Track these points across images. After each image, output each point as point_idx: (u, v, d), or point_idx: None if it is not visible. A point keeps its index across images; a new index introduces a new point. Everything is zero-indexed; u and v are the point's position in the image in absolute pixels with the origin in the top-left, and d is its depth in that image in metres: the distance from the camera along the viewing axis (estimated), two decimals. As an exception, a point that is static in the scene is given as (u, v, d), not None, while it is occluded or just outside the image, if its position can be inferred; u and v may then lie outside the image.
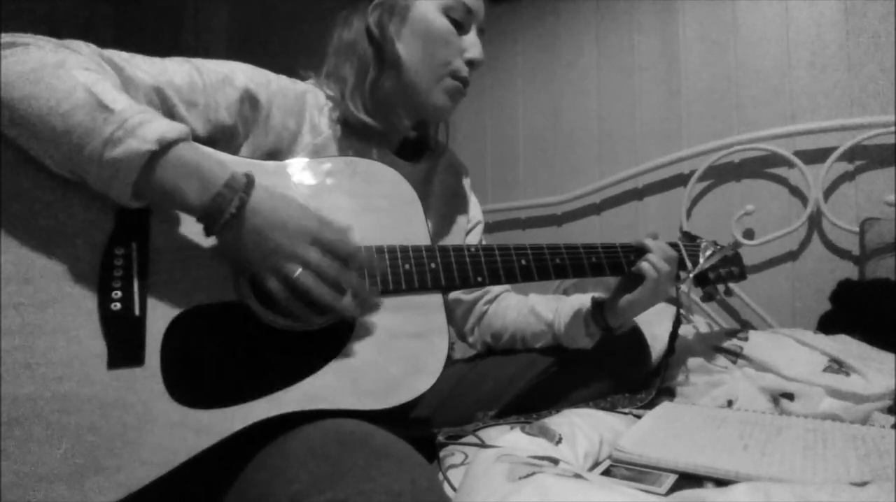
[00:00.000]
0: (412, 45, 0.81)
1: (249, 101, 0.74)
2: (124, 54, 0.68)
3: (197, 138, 0.70)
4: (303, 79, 0.85)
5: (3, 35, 0.58)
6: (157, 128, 0.54)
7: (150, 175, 0.55)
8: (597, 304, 0.92)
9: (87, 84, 0.55)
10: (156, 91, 0.67)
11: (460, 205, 1.00)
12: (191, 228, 0.60)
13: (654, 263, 0.85)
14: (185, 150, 0.57)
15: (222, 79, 0.72)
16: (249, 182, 0.58)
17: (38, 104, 0.53)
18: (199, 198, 0.56)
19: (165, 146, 0.55)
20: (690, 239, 0.98)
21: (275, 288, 0.58)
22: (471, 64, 0.84)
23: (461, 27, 0.83)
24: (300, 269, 0.58)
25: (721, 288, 1.00)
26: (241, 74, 0.74)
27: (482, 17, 0.85)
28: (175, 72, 0.70)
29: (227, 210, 0.56)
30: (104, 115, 0.53)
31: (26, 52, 0.57)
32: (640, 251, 0.88)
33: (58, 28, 2.39)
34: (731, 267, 0.99)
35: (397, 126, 0.86)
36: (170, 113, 0.69)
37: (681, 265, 0.92)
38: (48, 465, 0.51)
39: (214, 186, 0.56)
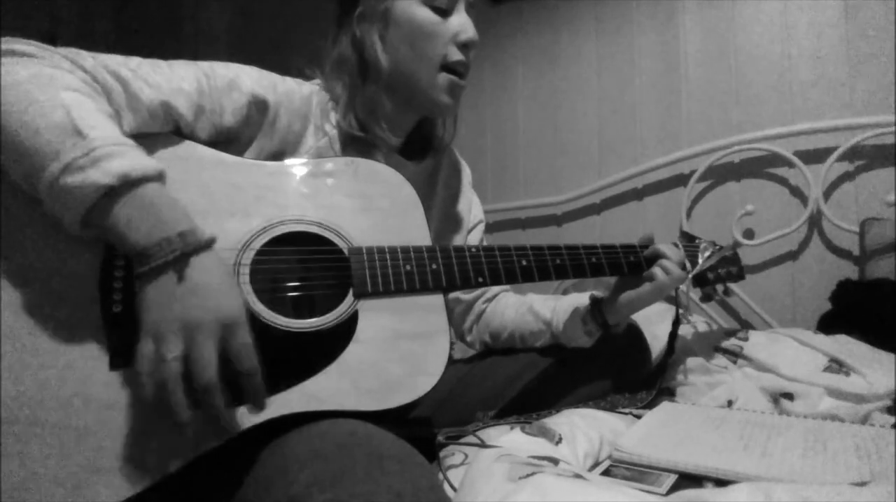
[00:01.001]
0: (400, 46, 0.80)
1: (256, 105, 0.74)
2: (132, 63, 0.66)
3: (200, 142, 0.70)
4: (308, 78, 0.85)
5: (6, 41, 0.58)
6: (125, 163, 0.53)
7: (103, 209, 0.53)
8: (595, 302, 0.92)
9: (68, 105, 0.54)
10: (162, 106, 0.66)
11: (463, 205, 1.00)
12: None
13: (669, 269, 0.85)
14: (151, 191, 0.54)
15: (229, 83, 0.72)
16: (207, 244, 0.54)
17: (15, 117, 0.53)
18: (145, 237, 0.52)
19: (128, 183, 0.53)
20: (689, 239, 0.98)
21: (143, 353, 0.50)
22: (465, 46, 0.81)
23: (446, 13, 0.80)
24: (178, 354, 0.50)
25: (720, 288, 1.00)
26: (248, 79, 0.74)
27: None
28: (183, 77, 0.69)
29: (165, 255, 0.51)
30: (73, 140, 0.52)
31: (22, 63, 0.56)
32: (644, 251, 0.88)
33: (58, 28, 2.39)
34: (730, 267, 0.99)
35: (394, 131, 0.85)
36: (174, 124, 0.68)
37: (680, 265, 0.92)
38: (49, 467, 0.51)
39: (167, 231, 0.52)
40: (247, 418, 0.57)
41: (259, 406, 0.55)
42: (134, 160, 0.54)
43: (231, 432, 0.55)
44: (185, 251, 0.52)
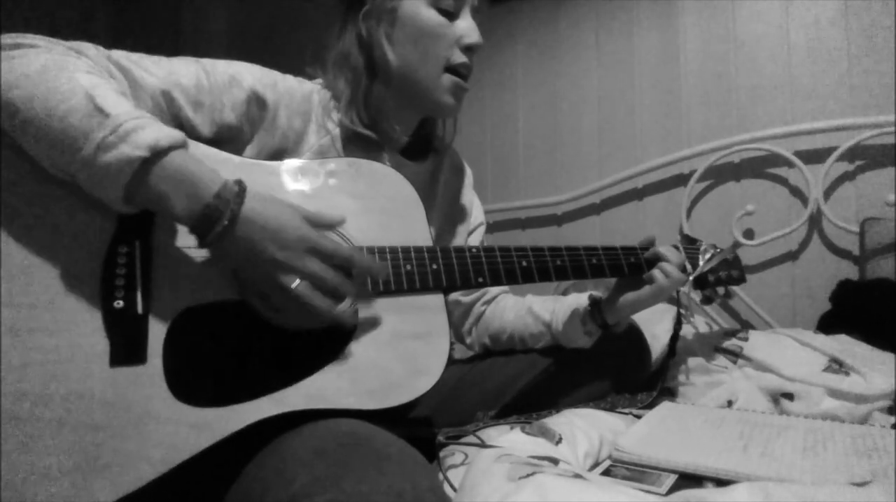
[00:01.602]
0: (406, 46, 0.80)
1: (256, 101, 0.74)
2: (133, 56, 0.68)
3: (202, 139, 0.70)
4: (310, 78, 0.85)
5: (9, 36, 0.59)
6: (151, 134, 0.54)
7: (141, 181, 0.55)
8: (594, 302, 0.92)
9: (86, 88, 0.55)
10: (163, 94, 0.67)
11: (464, 206, 1.00)
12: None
13: (669, 272, 0.85)
14: (178, 158, 0.56)
15: (229, 80, 0.72)
16: (241, 191, 0.57)
17: (38, 105, 0.54)
18: (188, 209, 0.55)
19: (158, 153, 0.55)
20: (690, 241, 0.98)
21: (273, 297, 0.59)
22: (469, 49, 0.82)
23: (452, 15, 0.81)
24: (298, 281, 0.58)
25: (720, 291, 1.00)
26: (249, 75, 0.74)
27: None
28: (183, 73, 0.69)
29: (218, 222, 0.55)
30: (99, 120, 0.53)
31: (32, 53, 0.57)
32: (644, 253, 0.88)
33: (57, 27, 2.39)
34: (731, 270, 0.99)
35: (398, 131, 0.85)
36: (176, 115, 0.69)
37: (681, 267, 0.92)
38: (49, 463, 0.51)
39: (205, 197, 0.55)
40: (248, 417, 0.57)
41: (375, 275, 0.65)
42: (159, 130, 0.55)
43: (373, 293, 0.66)
44: (233, 209, 0.56)
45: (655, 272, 0.86)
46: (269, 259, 0.57)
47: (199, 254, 0.62)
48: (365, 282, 0.66)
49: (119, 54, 0.66)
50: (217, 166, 0.67)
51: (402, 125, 0.86)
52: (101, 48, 0.65)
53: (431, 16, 0.80)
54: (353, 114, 0.81)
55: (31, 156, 0.56)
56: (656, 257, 0.88)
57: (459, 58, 0.81)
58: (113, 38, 2.59)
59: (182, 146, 0.57)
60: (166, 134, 0.56)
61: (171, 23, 2.70)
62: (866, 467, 0.60)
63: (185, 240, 0.61)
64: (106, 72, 0.63)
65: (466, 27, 0.81)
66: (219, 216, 0.55)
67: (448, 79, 0.81)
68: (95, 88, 0.55)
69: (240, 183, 0.58)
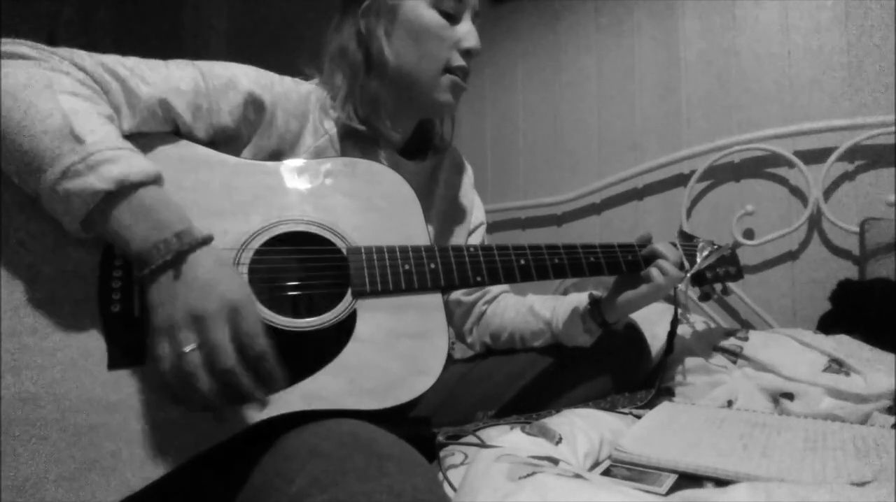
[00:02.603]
0: (405, 45, 0.80)
1: (253, 104, 0.74)
2: (129, 62, 0.66)
3: (199, 142, 0.70)
4: (307, 78, 0.85)
5: (7, 42, 0.58)
6: (122, 169, 0.53)
7: (103, 213, 0.53)
8: (594, 301, 0.92)
9: (66, 110, 0.54)
10: (160, 103, 0.66)
11: (464, 206, 1.00)
12: None
13: (666, 269, 0.85)
14: (148, 195, 0.55)
15: (226, 83, 0.72)
16: (204, 241, 0.55)
17: (14, 121, 0.53)
18: (143, 241, 0.53)
19: (125, 188, 0.53)
20: (687, 238, 0.98)
21: (162, 354, 0.51)
22: (467, 53, 0.82)
23: (453, 18, 0.81)
24: (194, 345, 0.50)
25: (718, 287, 1.00)
26: (245, 78, 0.74)
27: (476, 2, 0.83)
28: (180, 77, 0.69)
29: (162, 256, 0.52)
30: (71, 145, 0.52)
31: (19, 66, 0.56)
32: (641, 250, 0.88)
33: (57, 28, 2.39)
34: (728, 266, 0.99)
35: (395, 128, 0.85)
36: (173, 123, 0.68)
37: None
38: (48, 466, 0.51)
39: (163, 233, 0.53)
40: (247, 418, 0.57)
41: (273, 388, 0.54)
42: (132, 165, 0.54)
43: (262, 407, 0.55)
44: (181, 250, 0.53)
45: (652, 270, 0.86)
46: (181, 305, 0.51)
47: None
48: (272, 385, 0.54)
49: (114, 62, 0.65)
50: (214, 167, 0.67)
51: (399, 123, 0.85)
52: (96, 56, 0.64)
53: (432, 16, 0.80)
54: (349, 109, 0.81)
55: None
56: (653, 254, 0.88)
57: (458, 61, 0.81)
58: (113, 38, 2.59)
59: (154, 182, 0.56)
60: (139, 169, 0.54)
61: (171, 23, 2.70)
62: (866, 467, 0.60)
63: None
64: (100, 83, 0.62)
65: (466, 31, 0.82)
66: (167, 251, 0.52)
67: (447, 78, 0.81)
68: (76, 113, 0.54)
69: (207, 238, 0.55)
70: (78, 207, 0.53)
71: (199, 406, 0.51)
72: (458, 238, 0.98)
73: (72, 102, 0.55)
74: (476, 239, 1.02)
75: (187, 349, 0.50)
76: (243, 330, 0.52)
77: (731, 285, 1.05)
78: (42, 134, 0.52)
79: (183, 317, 0.51)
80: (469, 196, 1.02)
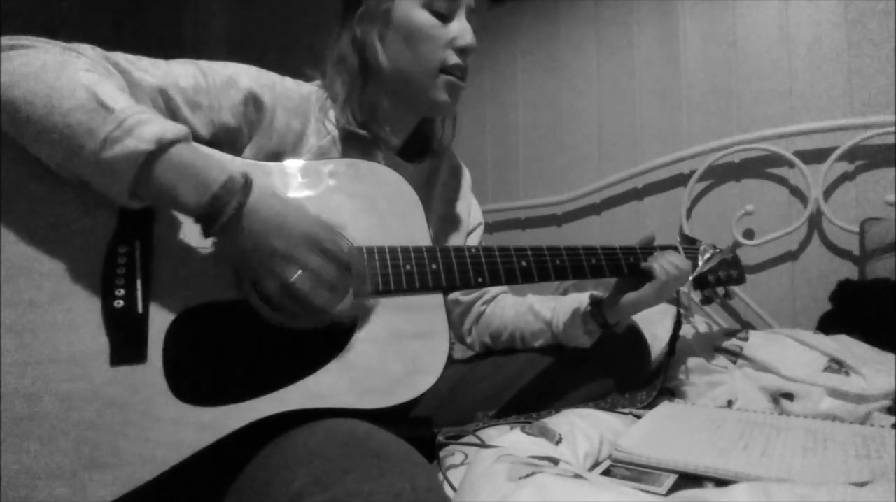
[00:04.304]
0: (399, 48, 0.80)
1: (254, 103, 0.74)
2: (130, 57, 0.68)
3: (200, 140, 0.70)
4: (309, 79, 0.85)
5: (7, 38, 0.59)
6: (156, 128, 0.55)
7: (147, 175, 0.55)
8: (595, 302, 0.92)
9: (88, 84, 0.55)
10: (160, 93, 0.68)
11: (461, 207, 1.00)
12: (194, 226, 0.60)
13: (666, 267, 0.85)
14: (184, 151, 0.57)
15: (226, 81, 0.73)
16: (247, 183, 0.58)
17: (40, 103, 0.54)
18: (196, 199, 0.56)
19: (163, 146, 0.55)
20: (689, 242, 0.98)
21: (272, 291, 0.59)
22: (463, 51, 0.81)
23: (445, 17, 0.80)
24: (298, 273, 0.58)
25: (720, 291, 1.00)
26: (246, 76, 0.74)
27: (471, 0, 0.83)
28: (180, 74, 0.70)
29: (224, 212, 0.56)
30: (103, 115, 0.53)
31: (31, 53, 0.57)
32: (643, 253, 0.88)
33: (57, 28, 2.39)
34: (730, 270, 0.99)
35: (394, 131, 0.85)
36: (173, 115, 0.69)
37: None
38: (49, 462, 0.51)
39: (212, 188, 0.56)
40: (248, 416, 0.57)
41: (361, 293, 0.64)
42: (162, 123, 0.56)
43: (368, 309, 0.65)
44: (240, 200, 0.56)
45: (655, 265, 0.86)
46: (270, 250, 0.58)
47: (200, 254, 0.62)
48: (364, 283, 0.66)
49: (116, 56, 0.67)
50: None
51: (397, 126, 0.86)
52: (98, 49, 0.65)
53: (424, 17, 0.79)
54: (348, 114, 0.81)
55: (33, 156, 0.56)
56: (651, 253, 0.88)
57: (453, 59, 0.81)
58: (113, 38, 2.59)
59: (186, 139, 0.58)
60: (171, 127, 0.56)
61: (172, 23, 2.70)
62: (866, 467, 0.60)
63: (185, 239, 0.61)
64: (105, 70, 0.63)
65: (460, 29, 0.81)
66: (225, 205, 0.56)
67: (443, 78, 0.81)
68: (97, 85, 0.56)
69: (246, 176, 0.59)
70: (125, 172, 0.54)
71: (320, 316, 0.61)
72: (457, 239, 0.98)
73: (90, 77, 0.57)
74: (474, 239, 1.02)
75: (293, 279, 0.58)
76: (326, 248, 0.60)
77: (731, 288, 1.05)
78: (73, 110, 0.53)
79: (272, 257, 0.58)
80: (467, 198, 1.02)
